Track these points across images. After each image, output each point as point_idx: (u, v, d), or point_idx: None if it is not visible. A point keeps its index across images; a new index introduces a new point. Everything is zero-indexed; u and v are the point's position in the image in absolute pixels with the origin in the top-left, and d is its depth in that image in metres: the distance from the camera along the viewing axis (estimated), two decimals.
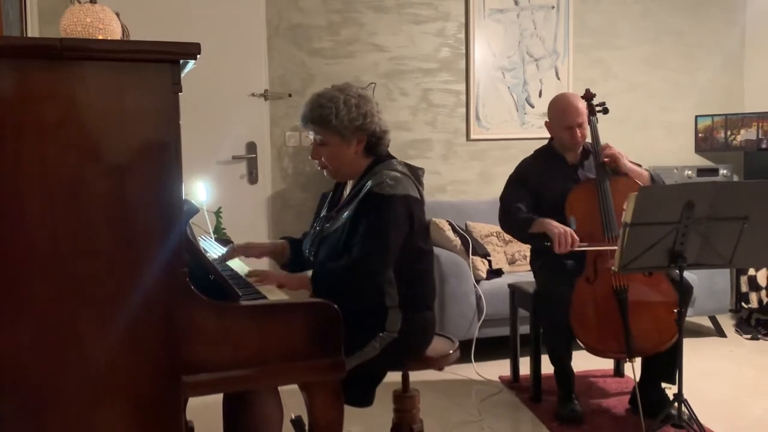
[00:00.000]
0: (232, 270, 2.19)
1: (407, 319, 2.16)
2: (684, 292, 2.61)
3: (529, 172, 3.18)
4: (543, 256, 3.15)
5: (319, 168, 2.29)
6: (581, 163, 3.17)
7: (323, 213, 2.38)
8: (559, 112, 3.12)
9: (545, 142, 3.32)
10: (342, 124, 2.15)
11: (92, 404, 1.51)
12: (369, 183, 2.15)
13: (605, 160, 3.03)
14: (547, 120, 3.21)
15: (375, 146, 2.23)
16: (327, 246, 2.23)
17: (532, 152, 3.31)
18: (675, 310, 2.56)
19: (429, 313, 2.28)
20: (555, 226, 2.89)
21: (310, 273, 2.14)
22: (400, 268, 2.16)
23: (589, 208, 2.97)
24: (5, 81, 1.43)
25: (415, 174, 2.26)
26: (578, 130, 3.08)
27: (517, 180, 3.20)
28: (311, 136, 2.23)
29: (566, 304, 2.87)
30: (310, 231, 2.41)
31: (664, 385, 2.97)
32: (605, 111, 3.23)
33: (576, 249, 2.85)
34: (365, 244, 2.08)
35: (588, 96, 3.20)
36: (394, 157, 2.28)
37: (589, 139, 3.16)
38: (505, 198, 3.18)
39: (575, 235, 2.85)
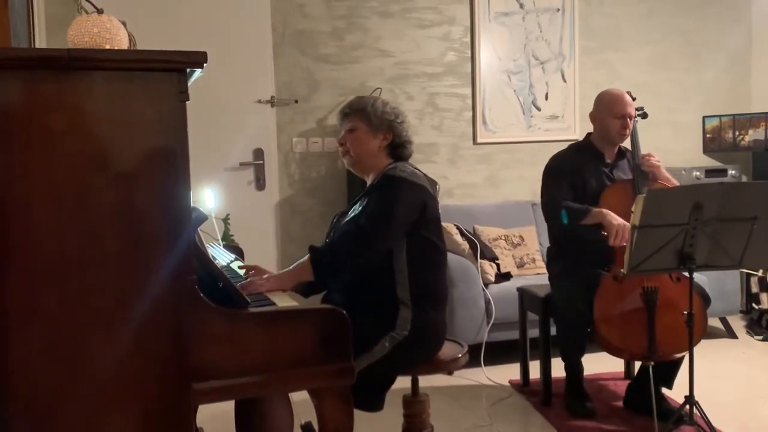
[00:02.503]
0: (240, 277, 2.19)
1: (417, 318, 2.18)
2: (700, 297, 2.60)
3: (568, 164, 3.16)
4: (562, 260, 3.13)
5: (342, 156, 2.40)
6: (616, 163, 3.18)
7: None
8: (611, 102, 3.13)
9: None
10: (375, 114, 2.32)
11: (102, 412, 1.52)
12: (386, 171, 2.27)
13: (646, 169, 3.04)
14: (593, 111, 3.20)
15: (398, 148, 2.36)
16: (340, 233, 2.29)
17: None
18: (685, 312, 2.54)
19: (440, 316, 2.29)
20: (614, 218, 2.88)
21: (305, 258, 2.14)
22: (410, 256, 2.20)
23: (622, 208, 2.96)
24: (14, 91, 1.44)
25: (431, 182, 2.34)
26: (629, 121, 3.09)
27: (557, 171, 3.17)
28: (343, 130, 2.37)
29: (583, 320, 2.87)
30: None
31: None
32: (644, 116, 3.29)
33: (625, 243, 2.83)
34: (371, 213, 2.16)
35: (630, 97, 3.21)
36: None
37: (626, 143, 3.18)
38: (550, 191, 3.13)
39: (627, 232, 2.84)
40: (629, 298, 2.85)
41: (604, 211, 2.92)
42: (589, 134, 3.26)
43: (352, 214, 2.28)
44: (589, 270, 2.98)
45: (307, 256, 2.13)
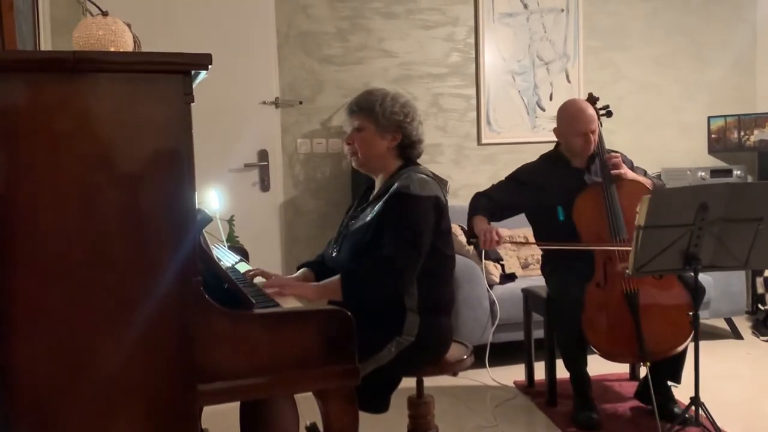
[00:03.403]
0: (246, 278, 2.19)
1: (424, 324, 2.16)
2: (697, 294, 2.59)
3: (533, 175, 3.18)
4: (553, 261, 3.16)
5: (349, 155, 2.34)
6: (588, 167, 3.16)
7: (350, 212, 2.41)
8: (572, 118, 3.10)
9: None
10: (383, 114, 2.24)
11: (107, 413, 1.52)
12: (397, 184, 2.18)
13: (611, 171, 3.03)
14: (556, 127, 3.19)
15: (407, 149, 2.30)
16: (349, 242, 2.25)
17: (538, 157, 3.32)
18: (690, 313, 2.54)
19: (446, 320, 2.28)
20: (478, 224, 2.96)
21: (336, 278, 2.12)
22: (420, 269, 2.16)
23: (596, 212, 2.97)
24: (20, 94, 1.44)
25: (441, 183, 2.29)
26: (591, 137, 3.07)
27: (512, 178, 3.23)
28: (351, 127, 2.30)
29: (578, 307, 2.86)
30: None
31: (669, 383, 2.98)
32: (609, 114, 3.23)
33: (503, 245, 2.93)
34: (396, 242, 2.09)
35: (592, 100, 3.20)
36: (421, 165, 2.33)
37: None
38: (487, 190, 3.21)
39: (500, 233, 2.88)
40: (612, 303, 2.86)
41: (476, 217, 3.00)
42: (558, 144, 3.25)
43: (361, 223, 2.23)
44: (579, 272, 2.98)
45: (337, 278, 2.10)
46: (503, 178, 3.28)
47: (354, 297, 2.05)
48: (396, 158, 2.30)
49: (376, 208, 2.20)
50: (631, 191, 2.89)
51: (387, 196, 2.18)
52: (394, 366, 2.11)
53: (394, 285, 2.11)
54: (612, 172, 3.02)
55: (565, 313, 2.93)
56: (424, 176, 2.22)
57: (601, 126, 3.16)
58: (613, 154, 3.12)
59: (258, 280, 2.19)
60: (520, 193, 3.15)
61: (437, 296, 2.23)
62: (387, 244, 2.10)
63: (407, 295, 2.16)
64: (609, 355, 2.89)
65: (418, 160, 2.36)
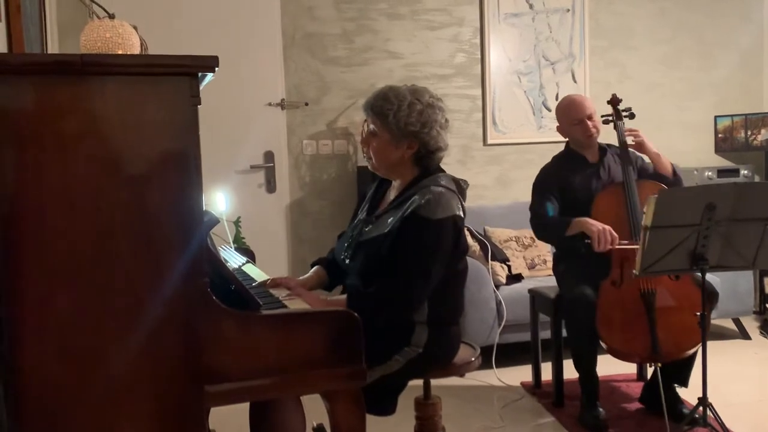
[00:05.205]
0: (252, 279, 2.20)
1: (433, 334, 2.12)
2: (707, 294, 2.59)
3: (552, 176, 3.19)
4: (566, 261, 3.15)
5: (365, 157, 2.26)
6: (602, 162, 3.18)
7: (363, 215, 2.31)
8: (565, 109, 3.18)
9: (562, 145, 3.32)
10: (397, 124, 2.11)
11: (114, 414, 1.52)
12: (415, 198, 2.07)
13: (631, 142, 3.07)
14: (558, 125, 3.24)
15: (424, 158, 2.18)
16: (363, 253, 2.16)
17: (550, 158, 3.32)
18: (697, 313, 2.54)
19: (455, 329, 2.23)
20: (593, 224, 2.89)
21: (343, 298, 2.08)
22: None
23: (616, 211, 2.97)
24: (28, 96, 1.45)
25: (460, 188, 2.21)
26: (588, 123, 3.10)
27: (542, 186, 3.20)
28: (369, 126, 2.19)
29: (592, 307, 2.85)
30: (347, 231, 2.35)
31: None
32: (631, 116, 3.26)
33: (617, 247, 2.85)
34: (407, 272, 2.03)
35: (614, 101, 3.24)
36: (442, 170, 2.23)
37: (607, 141, 3.17)
38: (534, 207, 3.18)
39: (614, 233, 2.85)
40: (629, 301, 2.85)
41: (583, 219, 2.94)
42: (568, 142, 3.28)
43: (378, 233, 2.13)
44: (592, 271, 2.97)
45: (344, 297, 2.07)
46: (534, 192, 3.20)
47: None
48: (413, 166, 2.19)
49: (393, 221, 2.10)
50: (651, 192, 2.88)
51: (405, 212, 2.07)
52: (401, 373, 2.09)
53: (401, 313, 2.07)
54: (632, 140, 3.07)
55: (579, 312, 2.91)
56: (444, 190, 2.09)
57: (624, 126, 3.18)
58: (631, 129, 3.15)
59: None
60: (554, 198, 3.13)
61: (447, 309, 2.18)
62: (399, 272, 2.03)
63: (416, 312, 2.10)
64: (621, 354, 2.87)
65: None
